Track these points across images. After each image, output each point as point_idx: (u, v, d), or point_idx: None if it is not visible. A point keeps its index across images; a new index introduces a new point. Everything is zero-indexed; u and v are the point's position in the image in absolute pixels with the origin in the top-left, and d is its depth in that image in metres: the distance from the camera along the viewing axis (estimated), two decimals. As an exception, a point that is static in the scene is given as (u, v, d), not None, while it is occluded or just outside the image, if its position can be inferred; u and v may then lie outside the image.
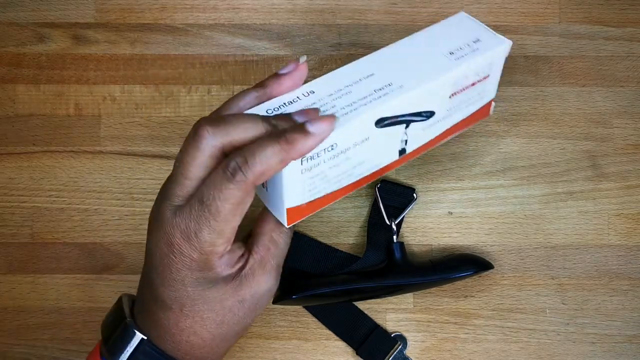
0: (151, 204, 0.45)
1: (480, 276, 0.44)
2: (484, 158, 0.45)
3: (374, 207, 0.44)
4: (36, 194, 0.45)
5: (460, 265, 0.42)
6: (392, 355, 0.43)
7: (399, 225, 0.43)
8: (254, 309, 0.33)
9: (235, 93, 0.46)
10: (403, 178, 0.45)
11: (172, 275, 0.31)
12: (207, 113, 0.45)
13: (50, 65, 0.46)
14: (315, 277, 0.42)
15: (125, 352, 0.32)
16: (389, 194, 0.43)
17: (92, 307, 0.45)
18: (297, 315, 0.45)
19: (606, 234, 0.45)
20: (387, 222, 0.43)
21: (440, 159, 0.45)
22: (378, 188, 0.43)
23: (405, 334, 0.44)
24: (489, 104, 0.38)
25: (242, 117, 0.30)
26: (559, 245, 0.45)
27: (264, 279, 0.33)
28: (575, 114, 0.46)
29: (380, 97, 0.31)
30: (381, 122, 0.32)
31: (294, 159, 0.29)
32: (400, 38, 0.46)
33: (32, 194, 0.45)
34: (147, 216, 0.44)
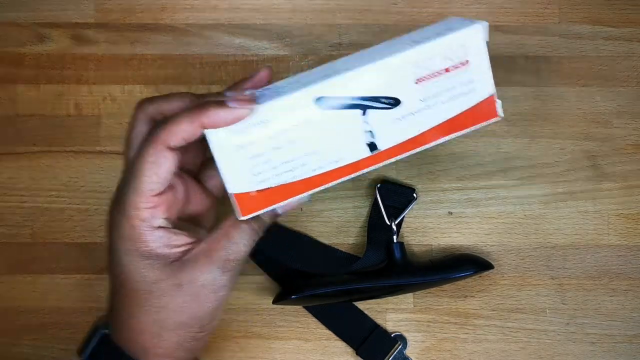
0: (151, 204, 0.45)
1: (480, 276, 0.44)
2: (484, 158, 0.45)
3: (374, 207, 0.44)
4: (36, 194, 0.45)
5: (460, 265, 0.42)
6: (392, 355, 0.43)
7: (399, 226, 0.43)
8: (195, 299, 0.32)
9: (235, 93, 0.46)
10: (403, 178, 0.45)
11: (110, 247, 0.32)
12: (207, 113, 0.45)
13: (50, 65, 0.46)
14: (315, 277, 0.42)
15: (90, 347, 0.34)
16: (389, 194, 0.43)
17: (92, 307, 0.45)
18: (297, 315, 0.45)
19: (606, 234, 0.45)
20: (387, 222, 0.43)
21: (440, 159, 0.45)
22: (378, 188, 0.43)
23: (405, 334, 0.44)
24: (489, 101, 0.34)
25: (174, 93, 0.33)
26: (559, 245, 0.45)
27: (206, 269, 0.32)
28: (575, 114, 0.46)
29: (321, 78, 0.31)
30: (323, 103, 0.30)
31: (206, 126, 0.30)
32: (400, 38, 0.46)
33: (32, 194, 0.45)
34: (147, 216, 0.45)
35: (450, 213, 0.45)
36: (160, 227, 0.31)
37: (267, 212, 0.32)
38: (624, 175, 0.45)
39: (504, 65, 0.46)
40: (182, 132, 0.30)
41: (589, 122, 0.45)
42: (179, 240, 0.32)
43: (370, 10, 0.46)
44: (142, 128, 0.33)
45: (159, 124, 0.31)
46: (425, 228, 0.45)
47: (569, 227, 0.45)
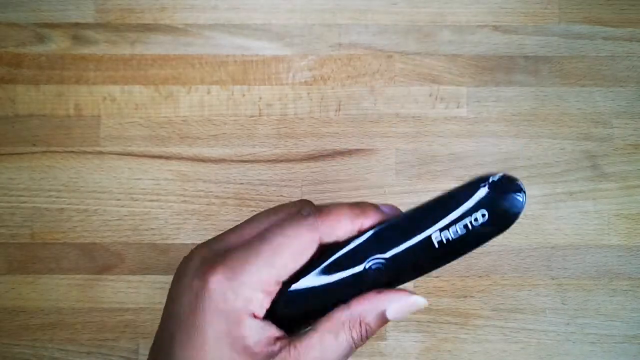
0: (151, 204, 0.45)
1: (480, 276, 0.44)
2: (484, 158, 0.45)
3: None
4: (36, 194, 0.45)
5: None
6: None
7: None
8: None
9: (234, 93, 0.46)
10: (403, 178, 0.45)
11: (194, 325, 0.25)
12: (206, 113, 0.45)
13: (50, 66, 0.46)
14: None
15: None
16: None
17: (91, 307, 0.45)
18: (297, 316, 0.45)
19: (606, 233, 0.45)
20: None
21: (440, 159, 0.45)
22: None
23: (405, 334, 0.44)
24: None
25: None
26: (559, 245, 0.45)
27: None
28: (575, 114, 0.46)
29: None
30: None
31: (363, 228, 0.27)
32: (400, 38, 0.46)
33: (32, 194, 0.45)
34: (147, 216, 0.45)
35: (450, 213, 0.45)
36: (260, 317, 0.26)
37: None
38: (624, 175, 0.45)
39: (504, 65, 0.46)
40: (341, 230, 0.26)
41: (589, 122, 0.45)
42: (272, 336, 0.26)
43: (370, 10, 0.46)
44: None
45: (312, 210, 0.27)
46: (425, 228, 0.45)
47: (569, 227, 0.45)
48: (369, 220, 0.27)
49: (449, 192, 0.29)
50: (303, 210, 0.27)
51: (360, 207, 0.27)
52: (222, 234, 0.27)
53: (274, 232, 0.26)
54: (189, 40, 0.46)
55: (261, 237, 0.26)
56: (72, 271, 0.45)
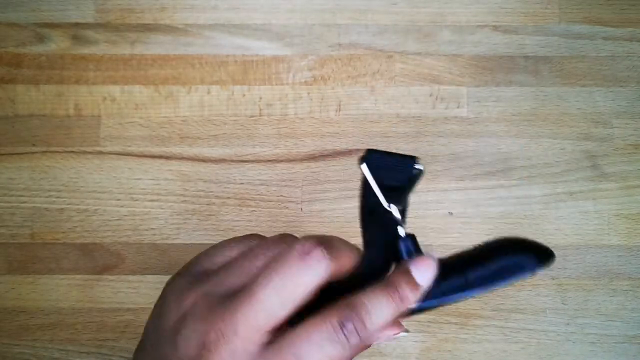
0: (151, 204, 0.45)
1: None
2: (484, 158, 0.45)
3: (366, 189, 0.28)
4: (36, 194, 0.45)
5: (511, 266, 0.28)
6: None
7: (403, 212, 0.28)
8: None
9: (234, 93, 0.46)
10: (403, 178, 0.45)
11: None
12: (206, 113, 0.45)
13: (50, 66, 0.46)
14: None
15: None
16: (382, 171, 0.28)
17: (91, 307, 0.45)
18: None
19: (606, 233, 0.45)
20: (385, 206, 0.27)
21: (440, 159, 0.45)
22: (365, 161, 0.27)
23: (405, 334, 0.44)
24: None
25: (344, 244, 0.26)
26: (559, 245, 0.45)
27: None
28: (575, 114, 0.46)
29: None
30: None
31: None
32: (400, 38, 0.46)
33: (32, 194, 0.45)
34: (147, 216, 0.45)
35: (451, 213, 0.45)
36: None
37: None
38: (624, 175, 0.45)
39: (504, 65, 0.46)
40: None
41: (589, 122, 0.45)
42: None
43: (370, 10, 0.46)
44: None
45: (357, 326, 0.25)
46: (425, 228, 0.45)
47: (569, 227, 0.45)
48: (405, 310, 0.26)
49: (497, 270, 0.29)
50: (345, 327, 0.25)
51: (400, 296, 0.27)
52: (261, 309, 0.24)
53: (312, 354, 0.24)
54: (189, 40, 0.46)
55: (297, 357, 0.24)
56: (72, 271, 0.45)
